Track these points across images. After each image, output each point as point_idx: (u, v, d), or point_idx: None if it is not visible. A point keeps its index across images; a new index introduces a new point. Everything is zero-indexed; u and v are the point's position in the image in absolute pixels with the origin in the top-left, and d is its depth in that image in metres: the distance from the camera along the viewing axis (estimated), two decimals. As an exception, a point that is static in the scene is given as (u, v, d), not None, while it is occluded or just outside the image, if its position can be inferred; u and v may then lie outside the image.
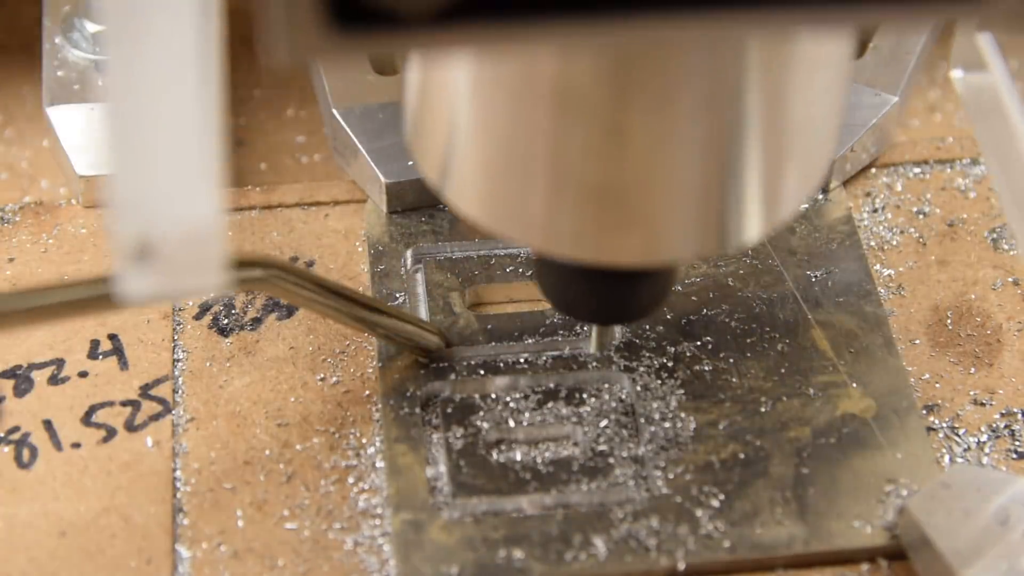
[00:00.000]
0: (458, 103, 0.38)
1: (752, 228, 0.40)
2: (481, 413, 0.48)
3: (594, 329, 0.49)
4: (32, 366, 0.49)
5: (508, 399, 0.49)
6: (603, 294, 0.44)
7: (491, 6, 0.31)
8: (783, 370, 0.49)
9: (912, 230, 0.54)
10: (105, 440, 0.48)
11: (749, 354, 0.50)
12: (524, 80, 0.37)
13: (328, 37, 0.31)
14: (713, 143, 0.37)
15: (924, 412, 0.49)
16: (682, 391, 0.49)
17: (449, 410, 0.48)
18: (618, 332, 0.50)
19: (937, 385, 0.50)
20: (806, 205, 0.53)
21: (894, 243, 0.53)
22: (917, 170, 0.56)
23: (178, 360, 0.50)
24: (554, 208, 0.39)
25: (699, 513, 0.46)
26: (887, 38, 0.56)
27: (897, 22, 0.32)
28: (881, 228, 0.54)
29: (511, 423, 0.48)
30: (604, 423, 0.48)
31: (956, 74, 0.44)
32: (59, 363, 0.49)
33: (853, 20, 0.33)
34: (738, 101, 0.37)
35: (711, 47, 0.36)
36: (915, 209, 0.55)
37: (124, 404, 0.49)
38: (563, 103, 0.37)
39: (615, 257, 0.40)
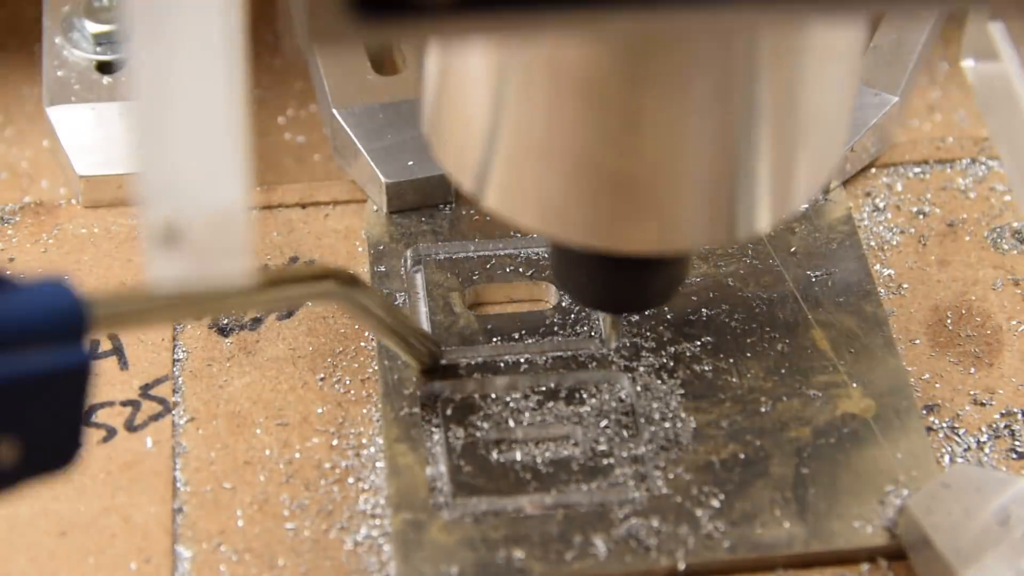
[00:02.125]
0: (477, 91, 0.39)
1: (763, 217, 0.41)
2: (481, 413, 0.48)
3: (607, 320, 0.50)
4: (32, 366, 0.49)
5: (508, 399, 0.49)
6: (619, 282, 0.45)
7: None
8: (783, 370, 0.49)
9: (912, 230, 0.54)
10: (105, 440, 0.48)
11: (749, 354, 0.50)
12: (542, 68, 0.38)
13: (348, 22, 0.31)
14: (725, 132, 0.38)
15: (924, 412, 0.49)
16: (682, 391, 0.49)
17: (449, 410, 0.48)
18: (607, 335, 0.50)
19: (937, 385, 0.50)
20: (806, 206, 0.53)
21: (894, 243, 0.53)
22: (917, 170, 0.56)
23: (178, 360, 0.50)
24: (571, 196, 0.39)
25: (699, 513, 0.46)
26: (887, 37, 0.56)
27: (907, 11, 0.33)
28: (881, 228, 0.54)
29: (511, 423, 0.48)
30: (604, 423, 0.48)
31: (968, 63, 0.44)
32: (59, 363, 0.49)
33: (861, 10, 0.33)
34: (750, 91, 0.38)
35: (723, 37, 0.37)
36: (915, 209, 0.55)
37: (124, 404, 0.49)
38: (580, 91, 0.37)
39: (630, 245, 0.41)
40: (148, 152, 0.36)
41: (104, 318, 0.38)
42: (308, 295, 0.44)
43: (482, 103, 0.39)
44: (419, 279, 0.52)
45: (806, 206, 0.53)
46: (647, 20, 0.33)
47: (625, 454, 0.47)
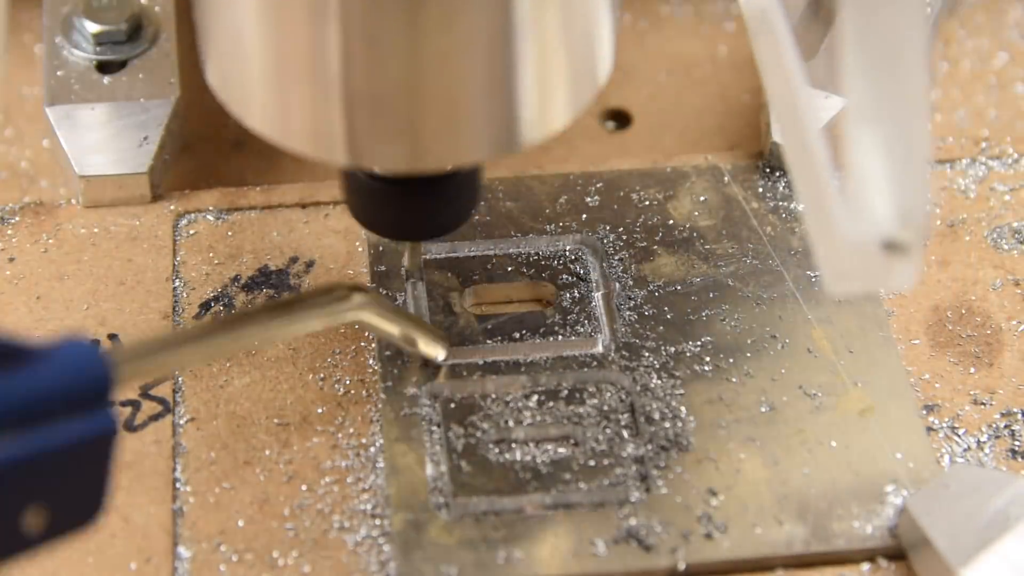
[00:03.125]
0: (226, 13, 0.40)
1: (520, 135, 0.41)
2: (481, 413, 0.48)
3: (406, 248, 0.50)
4: (32, 366, 0.49)
5: (508, 399, 0.49)
6: (404, 209, 0.45)
7: None
8: (783, 370, 0.49)
9: (912, 230, 0.54)
10: (105, 440, 0.48)
11: (749, 354, 0.50)
12: None
13: None
14: (463, 50, 0.39)
15: (924, 412, 0.49)
16: (682, 391, 0.49)
17: (449, 410, 0.48)
18: (607, 335, 0.50)
19: (937, 385, 0.50)
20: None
21: (894, 243, 0.53)
22: (917, 170, 0.56)
23: (178, 360, 0.50)
24: (327, 117, 0.40)
25: (699, 513, 0.46)
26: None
27: None
28: (881, 228, 0.54)
29: (511, 423, 0.48)
30: (604, 423, 0.48)
31: None
32: (59, 363, 0.49)
33: None
34: (480, 8, 0.38)
35: None
36: (915, 209, 0.54)
37: (124, 404, 0.49)
38: (317, 11, 0.38)
39: (390, 164, 0.41)
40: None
41: (129, 375, 0.38)
42: (337, 314, 0.44)
43: (233, 25, 0.40)
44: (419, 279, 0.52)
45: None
46: None
47: (625, 454, 0.47)
